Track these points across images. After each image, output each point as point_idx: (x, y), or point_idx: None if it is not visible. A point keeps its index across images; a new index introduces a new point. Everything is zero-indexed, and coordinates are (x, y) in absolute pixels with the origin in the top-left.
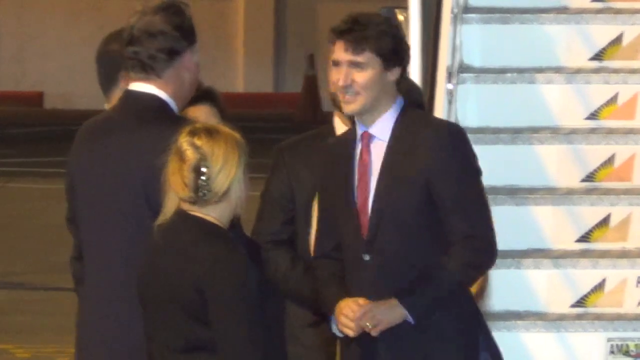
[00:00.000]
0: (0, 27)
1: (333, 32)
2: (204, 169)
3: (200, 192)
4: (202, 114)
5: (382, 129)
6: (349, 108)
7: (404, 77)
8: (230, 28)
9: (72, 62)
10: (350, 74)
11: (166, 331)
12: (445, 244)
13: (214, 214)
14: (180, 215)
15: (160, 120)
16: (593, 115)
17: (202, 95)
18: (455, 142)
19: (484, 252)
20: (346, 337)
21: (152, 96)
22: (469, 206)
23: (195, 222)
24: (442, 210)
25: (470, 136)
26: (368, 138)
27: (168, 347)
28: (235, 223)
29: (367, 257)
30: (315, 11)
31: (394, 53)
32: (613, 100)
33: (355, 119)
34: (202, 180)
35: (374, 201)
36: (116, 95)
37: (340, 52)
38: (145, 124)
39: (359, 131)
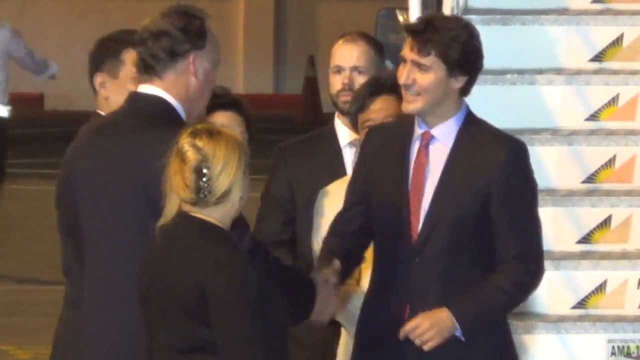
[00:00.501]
0: None
1: (406, 29)
2: (205, 170)
3: (202, 193)
4: (226, 120)
5: (445, 133)
6: (407, 107)
7: None
8: (230, 29)
9: (73, 64)
10: (412, 73)
11: (167, 332)
12: (489, 258)
13: (215, 215)
14: (182, 216)
15: (162, 122)
16: (593, 117)
17: (229, 103)
18: (519, 158)
19: (535, 275)
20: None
21: (155, 97)
22: (524, 224)
23: (196, 223)
24: (497, 224)
25: None
26: (429, 139)
27: (169, 347)
28: (240, 219)
29: (417, 260)
30: (315, 12)
31: (461, 61)
32: (613, 101)
33: (417, 117)
34: (203, 181)
35: (432, 205)
36: (97, 85)
37: (407, 50)
38: (147, 126)
39: (419, 130)
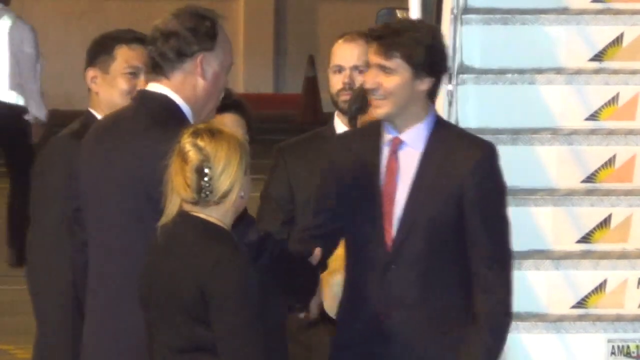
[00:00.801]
0: None
1: (369, 34)
2: (206, 170)
3: (203, 193)
4: (228, 122)
5: (415, 138)
6: (377, 112)
7: None
8: (230, 28)
9: (73, 63)
10: (377, 77)
11: (167, 331)
12: (466, 259)
13: (216, 214)
14: (183, 216)
15: (164, 121)
16: (593, 116)
17: (231, 104)
18: (490, 161)
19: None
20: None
21: (161, 96)
22: (495, 226)
23: (197, 223)
24: (469, 226)
25: None
26: (398, 145)
27: (169, 347)
28: (245, 214)
29: (393, 267)
30: (315, 12)
31: (426, 63)
32: (613, 101)
33: (386, 123)
34: (205, 181)
35: (405, 211)
36: (88, 80)
37: (371, 54)
38: (149, 124)
39: (388, 136)
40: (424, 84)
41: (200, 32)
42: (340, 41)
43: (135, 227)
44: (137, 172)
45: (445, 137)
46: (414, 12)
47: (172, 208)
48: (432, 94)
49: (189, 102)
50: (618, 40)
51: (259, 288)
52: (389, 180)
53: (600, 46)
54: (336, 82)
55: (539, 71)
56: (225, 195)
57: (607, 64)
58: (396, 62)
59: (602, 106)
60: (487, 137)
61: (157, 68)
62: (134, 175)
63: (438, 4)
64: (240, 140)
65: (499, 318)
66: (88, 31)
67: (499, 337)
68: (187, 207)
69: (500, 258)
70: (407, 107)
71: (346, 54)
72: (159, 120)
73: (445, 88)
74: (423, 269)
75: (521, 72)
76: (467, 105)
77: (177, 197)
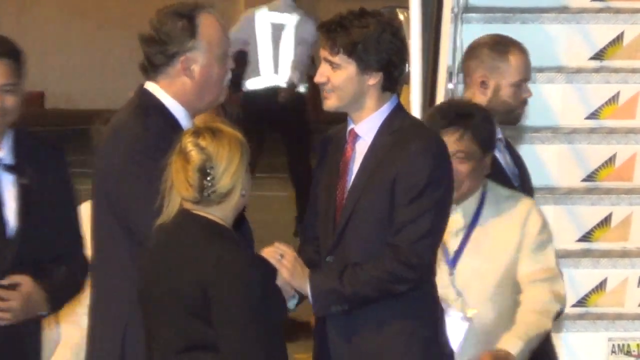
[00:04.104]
0: (0, 28)
1: (319, 27)
2: (209, 170)
3: (205, 192)
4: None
5: (367, 129)
6: (325, 105)
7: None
8: (230, 27)
9: (73, 62)
10: (326, 71)
11: (168, 331)
12: None
13: (217, 213)
14: (184, 214)
15: (137, 115)
16: (594, 115)
17: None
18: (430, 153)
19: (407, 265)
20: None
21: (145, 92)
22: (414, 217)
23: (199, 222)
24: (395, 211)
25: None
26: (354, 136)
27: (169, 346)
28: (243, 215)
29: (329, 259)
30: (316, 11)
31: (372, 59)
32: (614, 99)
33: (348, 117)
34: (207, 180)
35: (346, 202)
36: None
37: (321, 48)
38: (125, 119)
39: (349, 127)
40: (373, 79)
41: (176, 35)
42: None
43: (100, 226)
44: (103, 170)
45: (396, 128)
46: (415, 11)
47: (172, 206)
48: (387, 87)
49: (181, 102)
50: (618, 39)
51: (261, 287)
52: (343, 171)
53: (600, 45)
54: None
55: (540, 70)
56: (227, 194)
57: (607, 63)
58: (341, 58)
59: (603, 105)
60: None
61: (145, 67)
62: (100, 174)
63: (439, 2)
64: (240, 138)
65: (381, 276)
66: (88, 30)
67: (358, 284)
68: (188, 206)
69: (403, 249)
70: (357, 100)
71: None
72: (135, 115)
73: (446, 87)
74: (363, 254)
75: None
76: None
77: (177, 195)
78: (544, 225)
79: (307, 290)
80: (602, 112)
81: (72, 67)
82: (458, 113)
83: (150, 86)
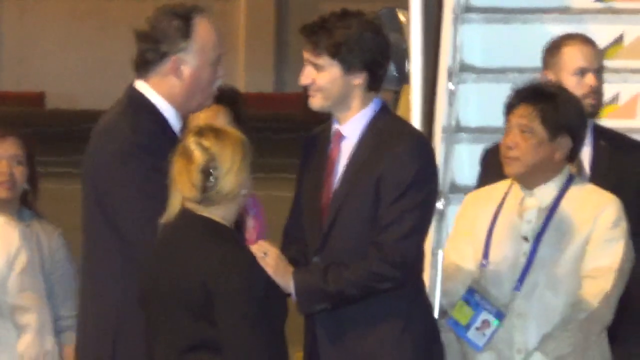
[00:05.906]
0: (2, 28)
1: (302, 30)
2: (212, 170)
3: (208, 193)
4: (210, 112)
5: (352, 129)
6: (311, 104)
7: None
8: (231, 27)
9: (74, 62)
10: (311, 73)
11: (170, 330)
12: None
13: (219, 212)
14: (186, 214)
15: (126, 115)
16: None
17: (218, 96)
18: (417, 153)
19: (390, 264)
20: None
21: (135, 91)
22: (397, 216)
23: (201, 222)
24: (380, 209)
25: (470, 136)
26: (340, 136)
27: (171, 346)
28: (243, 215)
29: (315, 259)
30: (316, 11)
31: (356, 59)
32: (614, 99)
33: (332, 117)
34: (210, 180)
35: (331, 203)
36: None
37: (304, 50)
38: (114, 119)
39: (334, 127)
40: (358, 79)
41: (169, 34)
42: None
43: (88, 224)
44: (90, 170)
45: (382, 128)
46: (415, 11)
47: (174, 206)
48: (371, 87)
49: (170, 101)
50: (619, 40)
51: (263, 287)
52: (329, 171)
53: (601, 45)
54: None
55: (540, 70)
56: (229, 194)
57: (608, 63)
58: (324, 60)
59: (603, 105)
60: (487, 136)
61: (137, 68)
62: (87, 174)
63: (439, 3)
64: (243, 139)
65: (365, 274)
66: (89, 31)
67: (342, 283)
68: (190, 206)
69: (386, 249)
70: (342, 101)
71: None
72: (121, 113)
73: (446, 87)
74: (351, 253)
75: (522, 71)
76: (468, 104)
77: (179, 195)
78: (618, 220)
79: (291, 288)
80: (603, 112)
81: (73, 67)
82: (536, 91)
83: (140, 85)
